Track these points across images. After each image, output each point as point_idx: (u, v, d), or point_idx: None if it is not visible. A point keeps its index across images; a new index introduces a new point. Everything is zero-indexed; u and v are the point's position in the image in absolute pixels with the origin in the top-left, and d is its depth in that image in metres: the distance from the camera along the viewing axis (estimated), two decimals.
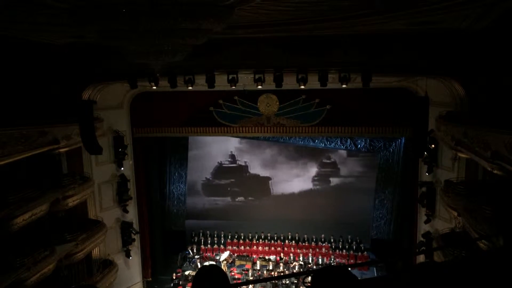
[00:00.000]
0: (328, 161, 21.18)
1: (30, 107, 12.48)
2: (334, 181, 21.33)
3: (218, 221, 21.75)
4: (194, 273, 18.30)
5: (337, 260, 19.44)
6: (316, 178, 21.48)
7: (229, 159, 21.86)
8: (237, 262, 19.41)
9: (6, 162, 10.89)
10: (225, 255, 19.53)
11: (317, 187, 21.46)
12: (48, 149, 12.68)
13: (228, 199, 22.30)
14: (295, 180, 21.63)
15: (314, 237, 20.45)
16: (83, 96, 14.22)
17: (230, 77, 13.54)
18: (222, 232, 20.98)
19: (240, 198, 22.30)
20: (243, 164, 21.87)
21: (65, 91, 13.49)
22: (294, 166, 21.51)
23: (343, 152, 20.86)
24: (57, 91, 13.28)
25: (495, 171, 9.36)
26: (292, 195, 21.70)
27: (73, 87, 13.79)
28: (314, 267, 18.74)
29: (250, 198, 22.26)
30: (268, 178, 21.87)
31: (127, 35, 6.65)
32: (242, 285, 8.36)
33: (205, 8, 6.51)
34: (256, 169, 21.83)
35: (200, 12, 6.42)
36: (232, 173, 22.00)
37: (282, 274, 17.85)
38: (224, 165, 21.87)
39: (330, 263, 19.14)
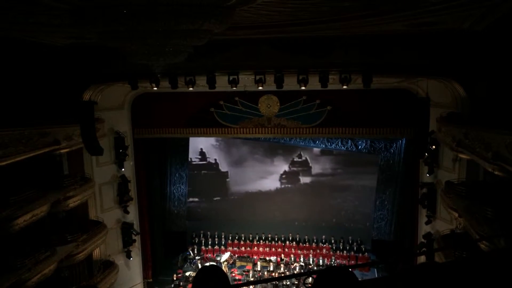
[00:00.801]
0: (299, 159, 21.24)
1: (31, 108, 12.49)
2: (327, 179, 21.35)
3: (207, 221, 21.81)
4: (194, 274, 18.29)
5: (337, 261, 19.43)
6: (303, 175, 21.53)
7: (199, 157, 21.79)
8: (238, 263, 19.42)
9: (7, 162, 10.91)
10: (225, 256, 19.53)
11: (289, 185, 21.49)
12: (49, 150, 12.69)
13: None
14: (272, 177, 21.71)
15: (314, 238, 20.45)
16: (84, 97, 14.23)
17: (231, 78, 13.55)
18: (222, 233, 20.97)
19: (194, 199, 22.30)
20: (213, 161, 21.83)
21: (66, 92, 13.50)
22: (269, 164, 21.57)
23: (317, 150, 20.89)
24: (58, 92, 13.29)
25: (496, 172, 9.36)
26: (268, 193, 21.80)
27: (74, 88, 13.80)
28: (315, 268, 18.72)
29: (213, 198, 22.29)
30: (227, 175, 21.91)
31: (128, 36, 6.65)
32: (243, 286, 8.36)
33: (206, 9, 6.51)
34: (227, 167, 21.82)
35: (202, 13, 6.42)
36: (201, 171, 21.92)
37: (283, 275, 17.85)
38: (193, 163, 21.71)
39: (331, 264, 19.13)
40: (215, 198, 22.37)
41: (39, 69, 12.74)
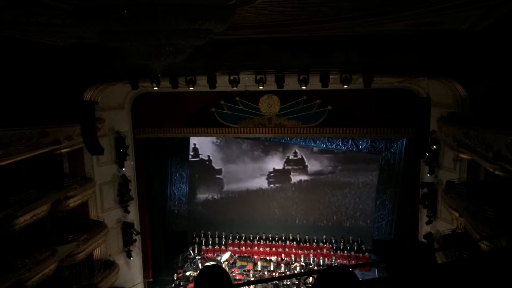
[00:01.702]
0: (298, 157, 21.09)
1: (32, 107, 12.51)
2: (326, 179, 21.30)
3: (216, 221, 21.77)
4: (195, 274, 18.30)
5: (338, 261, 19.43)
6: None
7: (191, 153, 21.62)
8: (238, 263, 19.41)
9: (8, 162, 10.91)
10: (226, 255, 19.53)
11: (289, 183, 21.36)
12: (49, 150, 12.70)
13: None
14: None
15: (315, 238, 20.45)
16: (85, 96, 14.24)
17: (232, 77, 13.55)
18: (223, 232, 20.97)
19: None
20: (206, 158, 21.69)
21: (67, 92, 13.52)
22: (269, 162, 21.47)
23: (317, 149, 20.71)
24: (59, 91, 13.30)
25: (497, 172, 9.35)
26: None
27: (74, 87, 13.81)
28: (315, 268, 18.72)
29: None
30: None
31: (128, 36, 6.65)
32: (243, 286, 8.35)
33: (207, 9, 6.51)
34: (221, 164, 21.64)
35: (202, 13, 6.42)
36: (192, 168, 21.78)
37: (283, 275, 17.84)
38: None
39: (331, 264, 19.12)
40: (211, 196, 22.24)
41: (40, 69, 12.76)
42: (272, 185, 21.42)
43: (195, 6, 6.32)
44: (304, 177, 21.29)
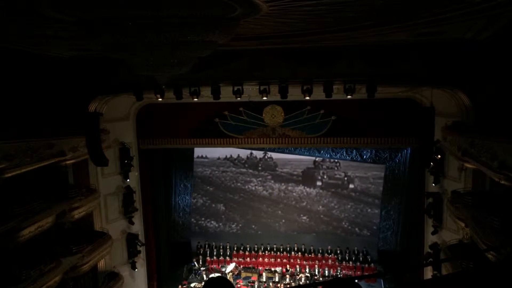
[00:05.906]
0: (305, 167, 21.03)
1: (38, 119, 12.57)
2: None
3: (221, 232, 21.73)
4: (199, 285, 18.24)
5: (343, 272, 19.29)
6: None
7: None
8: (243, 274, 19.33)
9: (14, 174, 10.95)
10: (231, 267, 19.44)
11: (294, 193, 21.44)
12: (54, 161, 12.74)
13: None
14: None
15: (320, 248, 20.33)
16: (90, 108, 14.32)
17: (235, 88, 13.60)
18: (228, 243, 20.91)
19: None
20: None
21: (72, 104, 13.59)
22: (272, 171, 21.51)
23: (321, 159, 20.77)
24: (64, 103, 13.37)
25: (502, 181, 9.30)
26: None
27: (80, 99, 13.88)
28: (321, 279, 18.61)
29: None
30: None
31: (133, 48, 6.71)
32: None
33: (211, 21, 6.57)
34: None
35: (206, 24, 6.48)
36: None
37: (288, 286, 17.73)
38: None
39: (336, 275, 18.99)
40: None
41: (45, 81, 12.84)
42: (288, 194, 21.38)
43: (199, 18, 6.38)
44: (308, 188, 21.26)
